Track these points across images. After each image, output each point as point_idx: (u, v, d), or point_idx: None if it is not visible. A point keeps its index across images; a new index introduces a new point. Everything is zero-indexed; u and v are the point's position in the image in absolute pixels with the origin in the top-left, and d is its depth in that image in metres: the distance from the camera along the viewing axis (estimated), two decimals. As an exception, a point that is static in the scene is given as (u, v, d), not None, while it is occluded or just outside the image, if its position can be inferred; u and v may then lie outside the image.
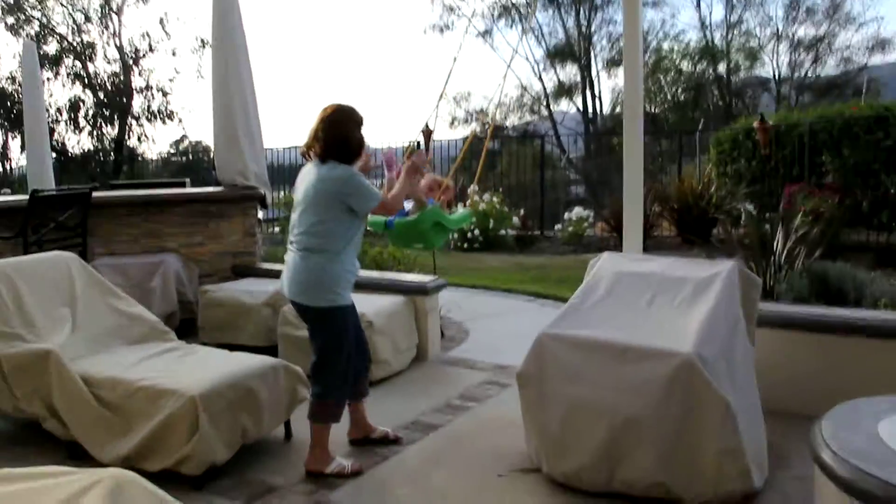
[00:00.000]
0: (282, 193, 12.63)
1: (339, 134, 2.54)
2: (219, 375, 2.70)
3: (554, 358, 2.69)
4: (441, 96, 3.43)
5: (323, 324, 2.57)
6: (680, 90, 18.23)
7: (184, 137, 18.28)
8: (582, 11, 18.53)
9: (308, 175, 2.59)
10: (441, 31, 18.77)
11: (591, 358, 2.61)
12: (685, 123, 16.28)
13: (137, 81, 16.13)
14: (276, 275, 4.81)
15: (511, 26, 18.67)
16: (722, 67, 18.49)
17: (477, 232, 9.71)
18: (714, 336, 2.54)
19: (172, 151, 18.05)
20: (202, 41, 15.98)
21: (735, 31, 18.27)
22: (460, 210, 3.23)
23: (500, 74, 17.89)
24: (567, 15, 18.73)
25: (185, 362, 2.88)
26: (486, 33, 18.69)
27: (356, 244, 2.59)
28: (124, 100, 16.02)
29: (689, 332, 2.57)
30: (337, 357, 2.60)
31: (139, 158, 16.48)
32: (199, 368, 2.78)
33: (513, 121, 19.41)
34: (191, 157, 18.11)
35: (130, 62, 15.95)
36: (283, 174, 13.72)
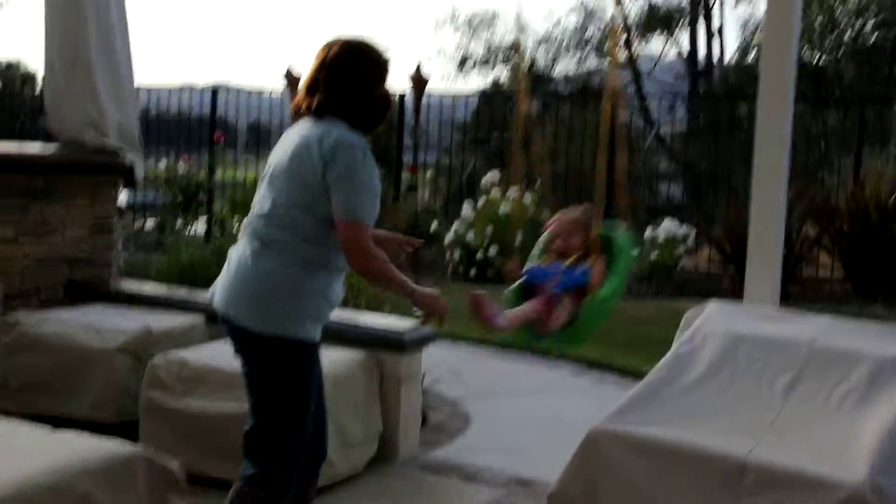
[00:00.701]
0: (164, 162, 12.81)
1: (351, 83, 2.68)
2: (27, 473, 2.55)
3: (614, 472, 2.65)
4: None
5: (275, 365, 2.67)
6: (870, 26, 15.58)
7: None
8: None
9: (293, 133, 2.75)
10: None
11: (680, 478, 2.57)
12: (874, 87, 14.70)
13: None
14: (142, 302, 4.79)
15: None
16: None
17: (493, 250, 9.72)
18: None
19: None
20: None
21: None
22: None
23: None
24: None
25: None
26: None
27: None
28: None
29: (862, 446, 2.53)
30: (290, 421, 2.66)
31: None
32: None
33: (565, 68, 19.42)
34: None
35: None
36: (170, 130, 13.84)
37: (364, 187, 2.59)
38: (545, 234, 3.64)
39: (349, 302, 5.44)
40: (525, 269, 3.53)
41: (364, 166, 2.60)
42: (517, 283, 3.49)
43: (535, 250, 3.63)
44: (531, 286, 3.42)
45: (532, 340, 3.43)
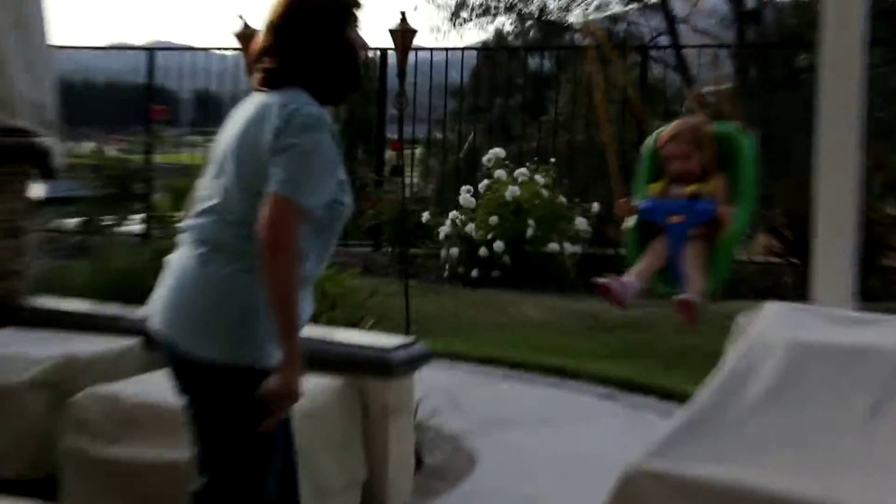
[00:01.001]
0: (90, 144, 12.80)
1: (308, 38, 2.68)
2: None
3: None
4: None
5: (229, 403, 2.63)
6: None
7: None
8: None
9: (244, 109, 2.74)
10: None
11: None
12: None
13: None
14: (61, 323, 4.74)
15: None
16: None
17: (499, 245, 9.73)
18: None
19: None
20: None
21: None
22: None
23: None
24: None
25: None
26: None
27: (314, 263, 2.72)
28: None
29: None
30: (251, 477, 2.66)
31: None
32: None
33: (579, 15, 19.42)
34: None
35: None
36: (98, 104, 13.75)
37: (316, 173, 2.55)
38: (646, 151, 3.68)
39: (321, 315, 5.43)
40: (639, 203, 3.59)
41: (323, 149, 2.57)
42: (632, 222, 3.58)
43: (640, 174, 3.70)
44: (649, 224, 3.54)
45: (669, 288, 3.52)
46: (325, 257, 2.74)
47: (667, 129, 3.64)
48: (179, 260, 2.69)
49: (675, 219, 3.46)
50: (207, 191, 2.71)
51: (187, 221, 2.73)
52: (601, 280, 3.36)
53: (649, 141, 3.73)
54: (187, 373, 2.66)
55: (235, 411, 2.61)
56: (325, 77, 2.68)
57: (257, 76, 2.72)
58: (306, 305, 2.69)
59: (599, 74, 3.74)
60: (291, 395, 2.56)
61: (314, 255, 2.67)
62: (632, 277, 3.41)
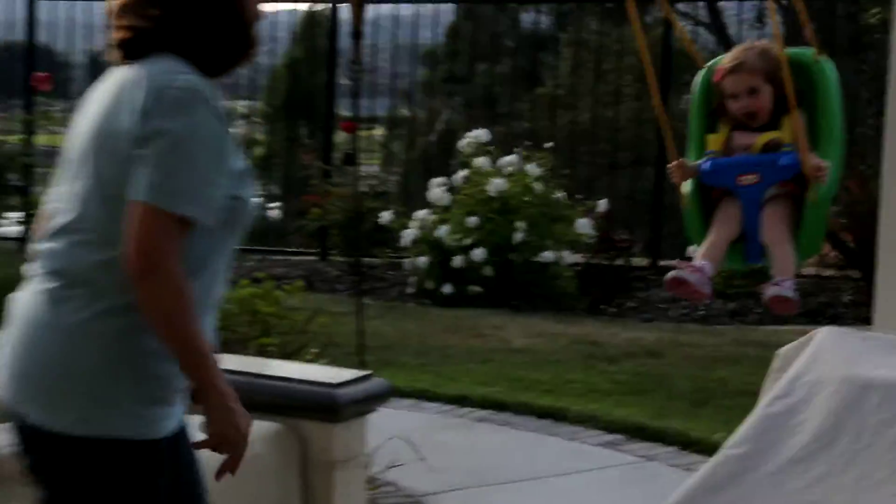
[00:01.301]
0: None
1: None
2: None
3: None
4: None
5: (96, 490, 2.54)
6: None
7: None
8: None
9: (100, 91, 2.69)
10: None
11: None
12: None
13: None
14: None
15: None
16: None
17: (479, 254, 9.76)
18: None
19: None
20: None
21: None
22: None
23: None
24: None
25: None
26: None
27: (214, 279, 2.66)
28: None
29: None
30: None
31: None
32: None
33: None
34: None
35: None
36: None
37: (198, 168, 2.48)
38: (698, 91, 3.62)
39: (249, 342, 5.45)
40: (698, 162, 3.52)
41: (204, 134, 2.50)
42: (689, 185, 3.52)
43: (693, 124, 3.63)
44: (712, 188, 3.49)
45: (741, 266, 3.57)
46: (223, 271, 2.68)
47: (725, 58, 3.54)
48: (26, 299, 2.59)
49: (747, 179, 3.38)
50: (60, 203, 2.61)
51: (36, 246, 2.63)
52: (673, 273, 3.33)
53: (699, 78, 3.62)
54: (39, 449, 2.56)
55: (109, 496, 2.53)
56: (205, 39, 2.62)
57: (115, 41, 2.63)
58: (210, 326, 2.66)
59: (641, 32, 3.61)
60: (231, 441, 2.58)
61: (208, 271, 2.61)
62: (703, 260, 3.35)
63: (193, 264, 2.53)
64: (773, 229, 3.39)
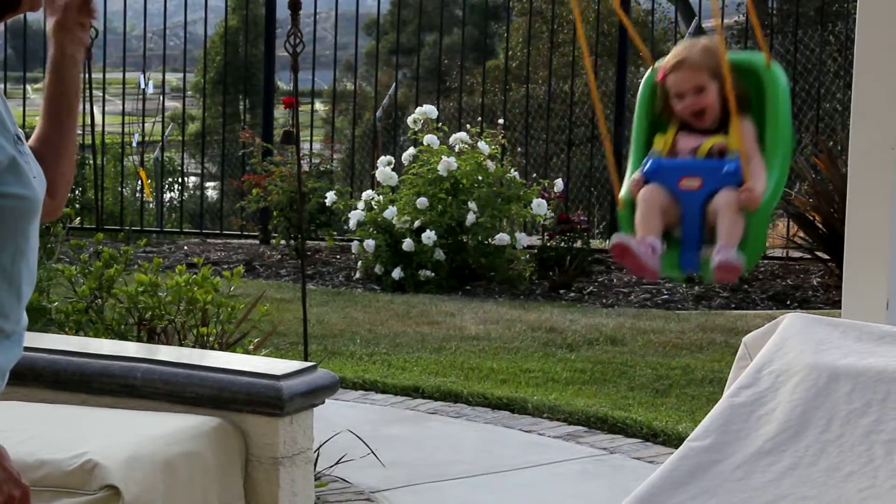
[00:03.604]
0: None
1: None
2: None
3: None
4: None
5: None
6: None
7: None
8: None
9: None
10: None
11: None
12: None
13: None
14: None
15: None
16: None
17: (429, 236, 9.78)
18: None
19: None
20: None
21: None
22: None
23: None
24: None
25: None
26: None
27: (13, 288, 2.48)
28: None
29: None
30: None
31: None
32: None
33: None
34: None
35: None
36: None
37: None
38: (643, 91, 3.58)
39: (189, 332, 5.43)
40: (643, 160, 3.50)
41: None
42: (625, 189, 3.49)
43: (637, 126, 3.62)
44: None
45: (676, 273, 3.44)
46: (19, 279, 2.49)
47: (667, 57, 3.50)
48: None
49: (689, 183, 3.36)
50: None
51: None
52: (619, 238, 3.27)
53: (644, 79, 3.58)
54: None
55: None
56: None
57: None
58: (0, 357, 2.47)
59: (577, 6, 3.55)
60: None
61: (20, 237, 2.44)
62: (657, 243, 3.29)
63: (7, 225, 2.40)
64: (723, 198, 3.31)
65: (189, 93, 17.13)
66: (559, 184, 10.43)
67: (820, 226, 9.50)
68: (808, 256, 9.99)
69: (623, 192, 3.47)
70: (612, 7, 11.90)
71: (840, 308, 4.72)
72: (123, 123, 13.79)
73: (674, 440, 5.65)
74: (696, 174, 3.36)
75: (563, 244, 10.28)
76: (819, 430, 3.14)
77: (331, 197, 10.63)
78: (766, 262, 10.28)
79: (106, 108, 13.33)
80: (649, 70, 3.55)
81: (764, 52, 3.49)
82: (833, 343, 3.40)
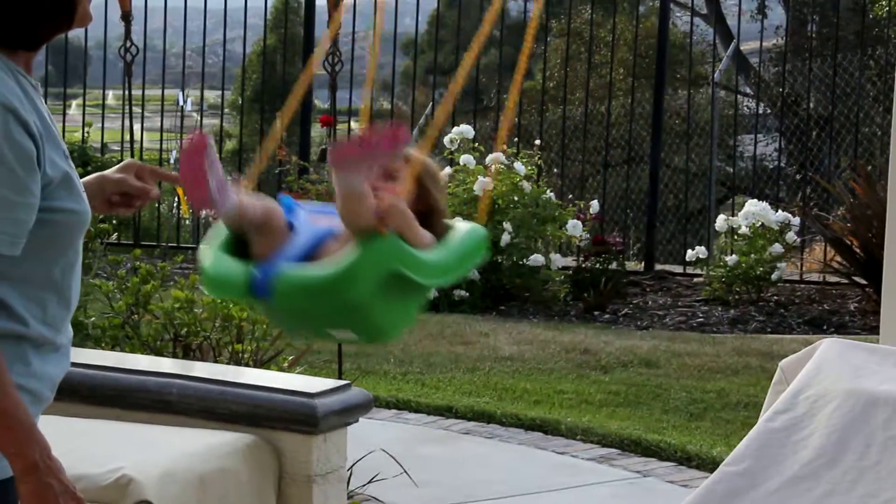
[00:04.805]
0: None
1: None
2: None
3: None
4: None
5: None
6: None
7: None
8: None
9: None
10: None
11: None
12: None
13: None
14: None
15: None
16: None
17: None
18: None
19: None
20: None
21: None
22: (456, 228, 2.94)
23: None
24: None
25: None
26: None
27: (63, 304, 2.48)
28: None
29: None
30: None
31: None
32: None
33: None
34: None
35: None
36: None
37: None
38: None
39: (221, 348, 5.45)
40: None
41: None
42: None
43: None
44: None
45: (244, 294, 2.70)
46: (68, 292, 2.50)
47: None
48: None
49: (317, 219, 2.82)
50: None
51: None
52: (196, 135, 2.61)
53: None
54: None
55: None
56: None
57: None
58: (51, 369, 2.50)
59: None
60: None
61: (37, 304, 2.43)
62: (233, 196, 2.65)
63: (55, 250, 2.41)
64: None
65: (227, 110, 17.20)
66: (595, 205, 10.42)
67: (858, 250, 9.46)
68: (846, 281, 9.94)
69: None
70: (650, 29, 11.91)
71: (878, 334, 4.70)
72: (162, 140, 13.88)
73: (708, 464, 5.62)
74: (329, 214, 2.81)
75: (598, 266, 10.27)
76: (856, 457, 3.14)
77: (366, 216, 10.64)
78: (803, 286, 10.24)
79: (145, 125, 13.40)
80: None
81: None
82: (870, 369, 3.41)
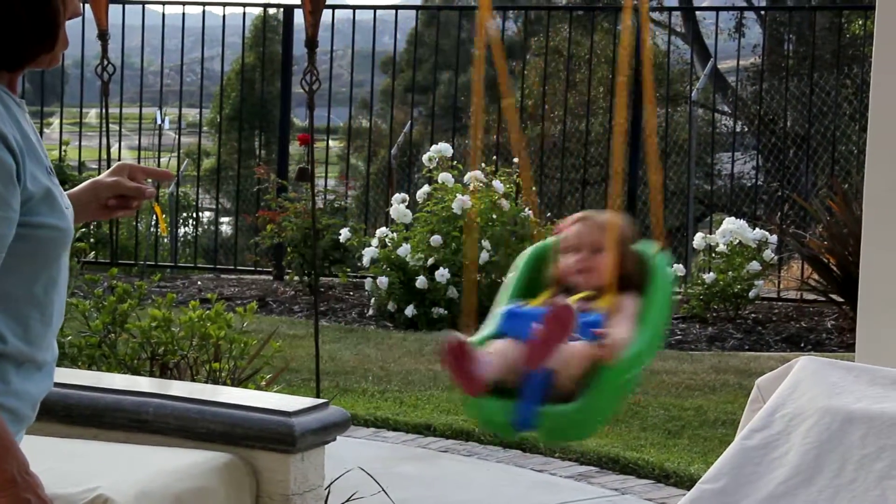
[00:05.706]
0: None
1: None
2: None
3: None
4: None
5: None
6: None
7: None
8: None
9: None
10: None
11: None
12: None
13: None
14: None
15: None
16: None
17: (443, 274, 9.79)
18: None
19: None
20: None
21: None
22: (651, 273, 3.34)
23: None
24: None
25: None
26: None
27: (29, 319, 2.45)
28: None
29: None
30: None
31: None
32: None
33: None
34: None
35: None
36: None
37: None
38: (534, 250, 3.48)
39: (198, 367, 5.44)
40: (503, 307, 3.39)
41: None
42: (485, 331, 3.37)
43: (516, 273, 3.52)
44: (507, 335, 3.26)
45: (514, 429, 3.19)
46: (51, 309, 2.48)
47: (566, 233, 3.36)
48: None
49: (546, 333, 3.05)
50: None
51: None
52: (457, 336, 3.08)
53: (532, 250, 3.49)
54: None
55: None
56: None
57: None
58: (32, 387, 2.50)
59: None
60: None
61: (17, 321, 2.41)
62: (487, 362, 3.08)
63: (38, 264, 2.41)
64: (575, 347, 3.07)
65: (205, 128, 17.18)
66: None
67: (834, 268, 9.51)
68: (823, 299, 10.00)
69: (479, 336, 3.32)
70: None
71: (854, 351, 4.72)
72: (140, 158, 13.86)
73: (686, 482, 5.63)
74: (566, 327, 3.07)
75: (577, 284, 10.27)
76: (832, 475, 3.14)
77: (345, 234, 10.65)
78: (780, 304, 10.28)
79: (122, 143, 13.40)
80: (540, 243, 3.47)
81: (657, 237, 3.36)
82: (847, 387, 3.41)
